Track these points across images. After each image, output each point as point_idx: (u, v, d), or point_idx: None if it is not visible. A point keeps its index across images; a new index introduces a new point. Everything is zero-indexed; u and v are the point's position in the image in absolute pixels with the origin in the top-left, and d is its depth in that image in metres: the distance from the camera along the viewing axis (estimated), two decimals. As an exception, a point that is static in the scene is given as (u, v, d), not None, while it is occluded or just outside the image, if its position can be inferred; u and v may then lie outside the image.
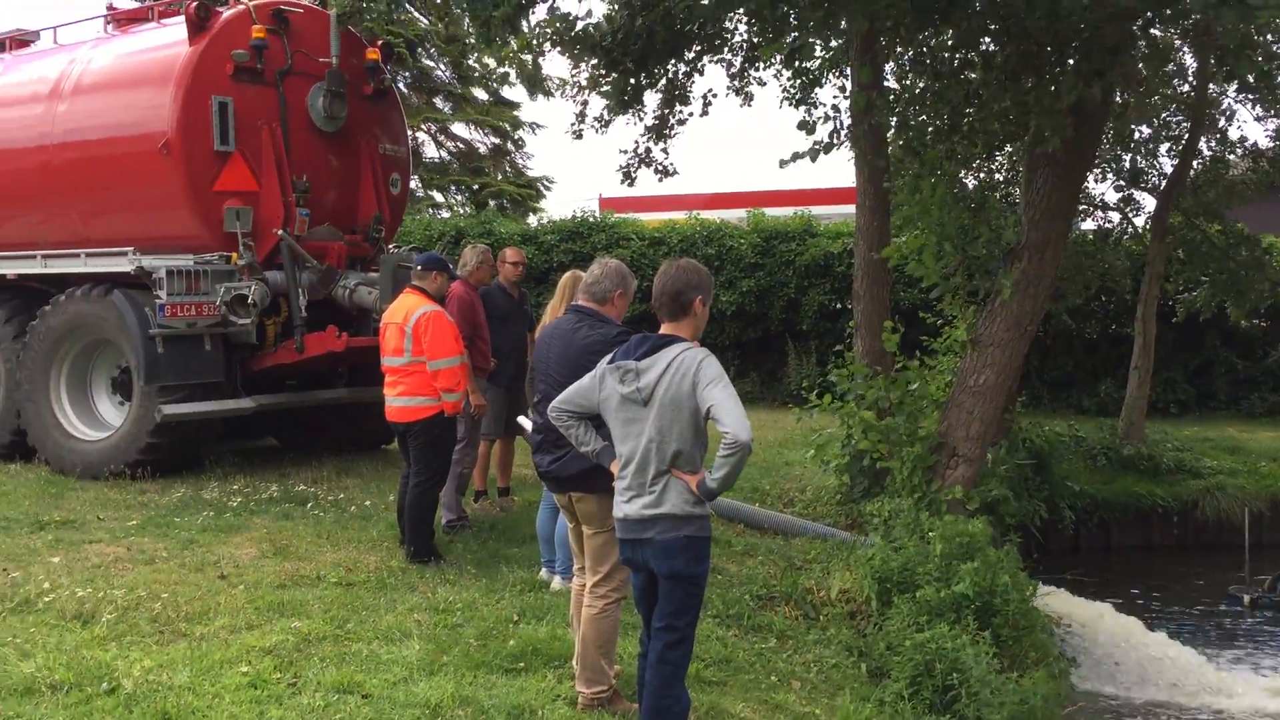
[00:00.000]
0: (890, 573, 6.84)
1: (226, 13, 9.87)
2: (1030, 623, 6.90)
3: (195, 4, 9.60)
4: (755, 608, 6.82)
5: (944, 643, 5.71)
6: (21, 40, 11.94)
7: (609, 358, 4.34)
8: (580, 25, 8.13)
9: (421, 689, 4.84)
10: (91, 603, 5.96)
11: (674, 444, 4.12)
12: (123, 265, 9.68)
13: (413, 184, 24.41)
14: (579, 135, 9.34)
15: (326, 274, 10.08)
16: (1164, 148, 13.93)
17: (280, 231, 9.78)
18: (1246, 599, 10.57)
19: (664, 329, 4.29)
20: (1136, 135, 13.70)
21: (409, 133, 12.18)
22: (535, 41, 8.82)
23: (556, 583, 6.71)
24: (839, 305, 16.31)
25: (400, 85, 23.74)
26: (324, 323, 9.88)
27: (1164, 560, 12.32)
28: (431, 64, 24.90)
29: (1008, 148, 11.23)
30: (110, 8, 11.44)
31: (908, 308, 14.07)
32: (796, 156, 8.32)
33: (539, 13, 8.50)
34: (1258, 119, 13.83)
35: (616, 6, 8.04)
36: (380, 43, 10.96)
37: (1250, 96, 13.11)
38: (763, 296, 16.76)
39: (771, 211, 18.68)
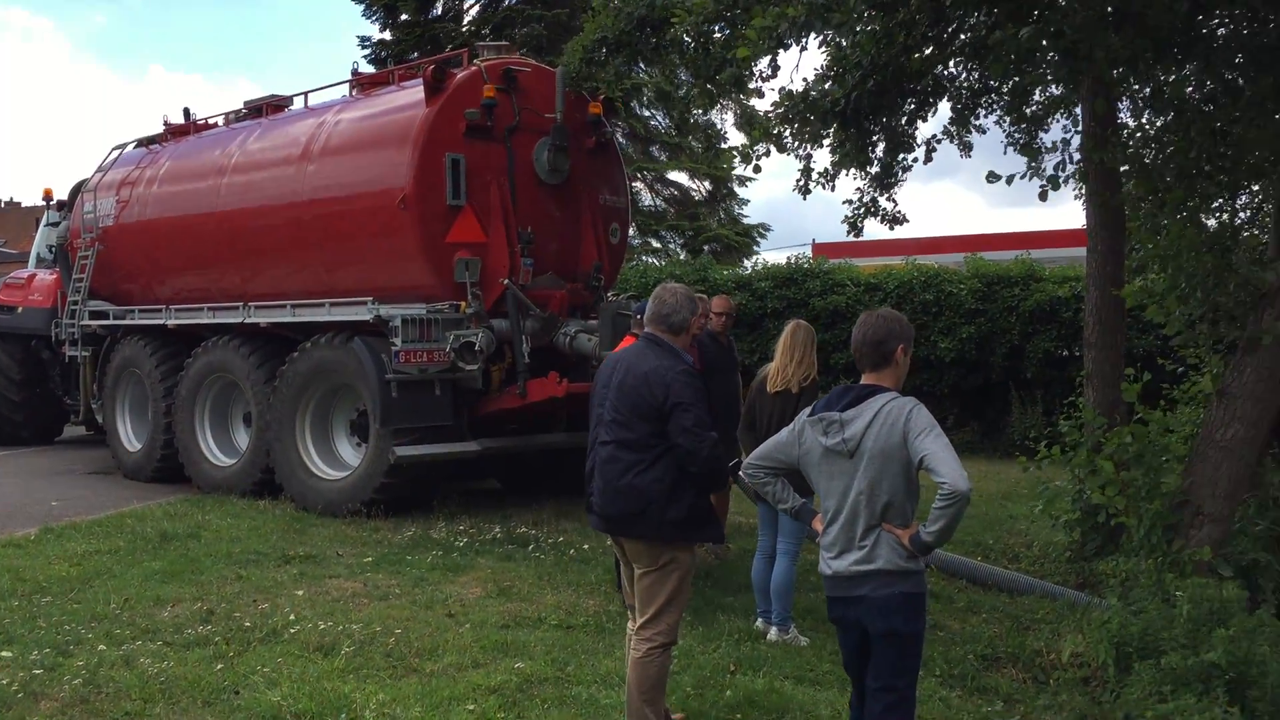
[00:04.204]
0: (1129, 637, 6.42)
1: (460, 74, 10.40)
2: (1293, 700, 6.34)
3: (432, 68, 10.17)
4: (980, 668, 6.55)
5: (1190, 715, 5.31)
6: (277, 105, 12.91)
7: (809, 410, 4.26)
8: (812, 97, 8.09)
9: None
10: (332, 636, 6.30)
11: (884, 496, 4.01)
12: (362, 314, 10.29)
13: (631, 231, 25.00)
14: (807, 191, 9.27)
15: (549, 321, 10.40)
16: None
17: (506, 281, 10.16)
18: None
19: (865, 379, 4.20)
20: None
21: (628, 183, 12.48)
22: (770, 125, 8.82)
23: (773, 634, 6.65)
24: (1066, 352, 15.62)
25: (619, 136, 24.41)
26: (546, 369, 10.18)
27: None
28: (648, 113, 25.45)
29: (1254, 186, 10.53)
30: (355, 73, 12.24)
31: (1143, 354, 13.35)
32: (1009, 178, 8.01)
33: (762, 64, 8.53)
34: None
35: (841, 70, 7.96)
36: (602, 97, 11.29)
37: None
38: (984, 343, 16.22)
39: (990, 255, 18.13)
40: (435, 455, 10.02)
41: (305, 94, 12.45)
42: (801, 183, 9.05)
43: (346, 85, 12.03)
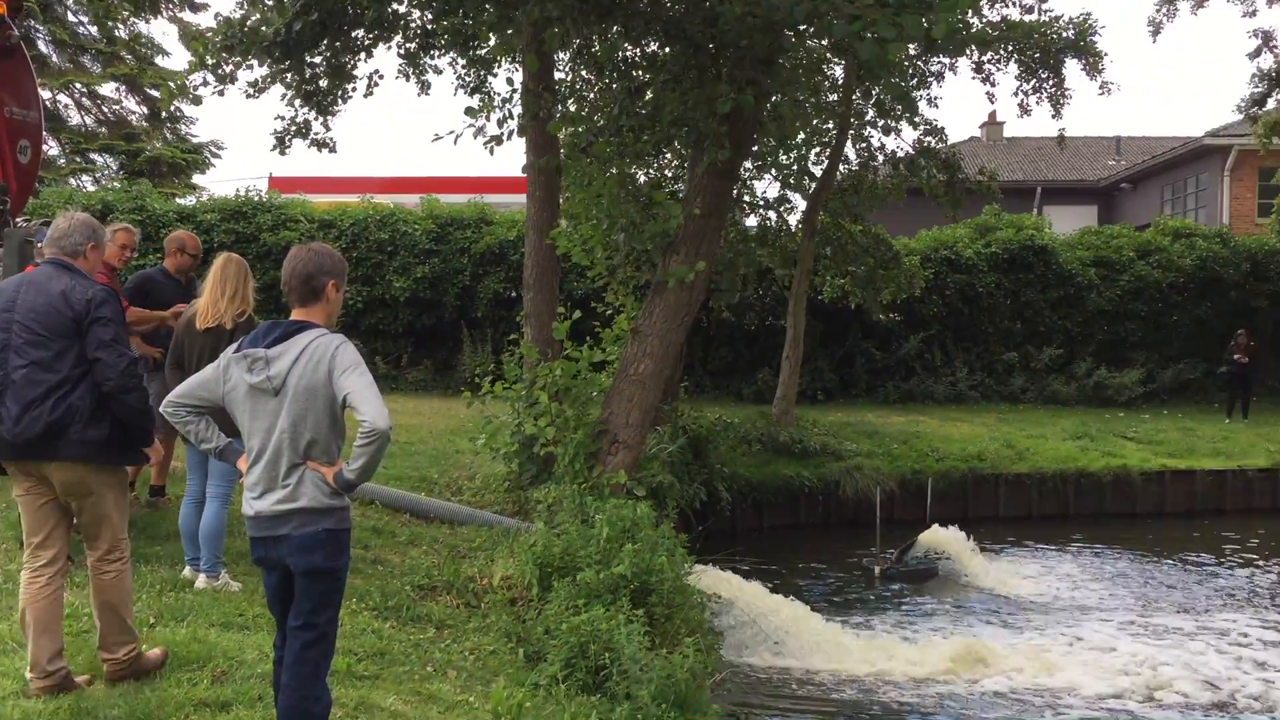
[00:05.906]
0: (551, 558, 6.92)
1: None
2: (683, 600, 7.17)
3: None
4: (416, 598, 6.73)
5: (599, 624, 5.83)
6: None
7: (235, 346, 4.07)
8: (248, 26, 7.68)
9: (33, 705, 4.42)
10: None
11: (308, 434, 3.94)
12: None
13: (55, 151, 22.39)
14: (221, 93, 8.91)
15: (-64, 248, 9.02)
16: (814, 152, 14.96)
17: (-122, 198, 8.66)
18: (876, 570, 11.61)
19: (295, 315, 4.09)
20: (794, 140, 14.64)
21: (44, 94, 11.10)
22: (207, 51, 8.27)
23: (201, 580, 6.36)
24: (514, 293, 16.44)
25: (39, 43, 21.69)
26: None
27: (809, 537, 13.28)
28: (74, 19, 22.83)
29: (676, 144, 11.67)
30: None
31: (581, 296, 14.38)
32: (456, 136, 8.24)
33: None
34: (885, 133, 15.13)
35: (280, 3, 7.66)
36: (8, -6, 9.88)
37: (888, 112, 14.33)
38: (437, 283, 16.60)
39: (447, 198, 18.55)
40: None
41: None
42: (218, 88, 8.68)
43: None
